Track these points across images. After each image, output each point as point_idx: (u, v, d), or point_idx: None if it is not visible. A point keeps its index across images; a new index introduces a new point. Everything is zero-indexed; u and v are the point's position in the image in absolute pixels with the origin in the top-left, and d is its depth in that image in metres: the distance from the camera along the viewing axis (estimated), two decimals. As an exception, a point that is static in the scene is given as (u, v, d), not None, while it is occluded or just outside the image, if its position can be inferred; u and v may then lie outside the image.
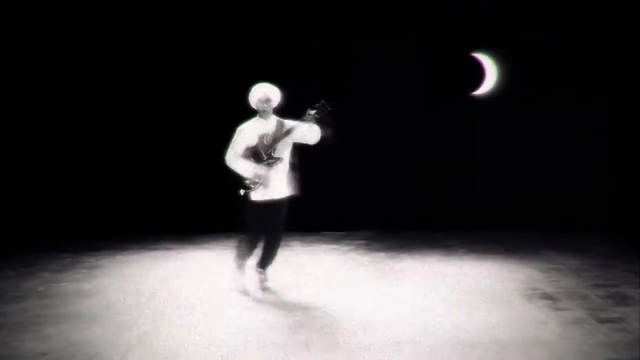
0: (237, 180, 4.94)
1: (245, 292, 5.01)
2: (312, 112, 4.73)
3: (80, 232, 7.79)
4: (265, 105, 4.89)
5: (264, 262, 5.15)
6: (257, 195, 4.90)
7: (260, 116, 4.96)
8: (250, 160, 4.86)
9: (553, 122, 7.83)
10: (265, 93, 4.90)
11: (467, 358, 3.48)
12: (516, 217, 7.70)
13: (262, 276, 5.15)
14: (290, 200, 5.03)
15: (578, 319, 4.17)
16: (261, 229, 5.03)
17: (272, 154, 4.86)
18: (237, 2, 7.75)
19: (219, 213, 7.93)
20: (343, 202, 7.83)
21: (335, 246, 7.03)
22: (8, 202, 7.74)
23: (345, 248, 6.96)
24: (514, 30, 7.70)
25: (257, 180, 4.83)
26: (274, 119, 4.94)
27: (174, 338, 3.87)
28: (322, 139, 4.92)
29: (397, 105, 7.84)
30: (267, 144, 4.86)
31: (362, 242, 7.30)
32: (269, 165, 4.85)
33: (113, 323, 4.19)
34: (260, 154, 4.85)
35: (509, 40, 7.76)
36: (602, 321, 4.10)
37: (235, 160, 4.85)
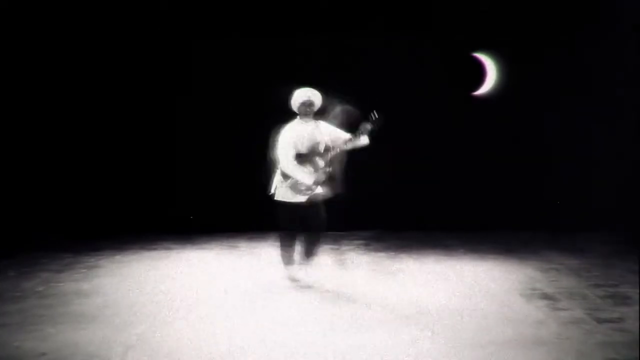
0: (294, 187, 5.08)
1: (295, 280, 5.28)
2: (369, 126, 4.98)
3: (80, 232, 7.79)
4: (308, 109, 5.10)
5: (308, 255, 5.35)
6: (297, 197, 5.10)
7: (300, 119, 5.13)
8: (305, 166, 5.05)
9: (554, 122, 7.83)
10: (308, 97, 5.11)
11: (466, 358, 3.47)
12: (516, 217, 7.70)
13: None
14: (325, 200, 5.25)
15: (577, 319, 4.17)
16: (298, 228, 5.23)
17: (329, 163, 5.08)
18: (237, 5, 7.75)
19: (219, 213, 7.95)
20: (342, 202, 7.83)
21: (334, 246, 7.02)
22: (8, 202, 7.74)
23: (345, 248, 6.96)
24: (515, 30, 7.71)
25: (314, 187, 5.03)
26: (313, 122, 5.14)
27: (173, 338, 3.86)
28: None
29: (397, 105, 7.83)
30: (322, 152, 5.07)
31: (362, 242, 7.30)
32: (326, 173, 5.08)
33: (112, 323, 4.18)
34: (315, 161, 5.06)
35: (509, 40, 7.76)
36: (601, 321, 4.10)
37: (296, 167, 5.02)
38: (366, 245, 7.13)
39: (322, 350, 3.62)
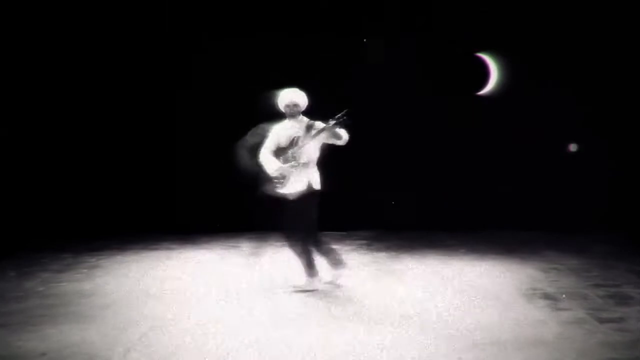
0: (265, 179, 5.06)
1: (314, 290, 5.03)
2: (332, 122, 4.89)
3: (81, 232, 7.80)
4: (293, 109, 5.10)
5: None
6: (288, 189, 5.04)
7: (288, 119, 5.14)
8: (278, 159, 5.06)
9: (554, 122, 7.83)
10: (291, 98, 5.12)
11: (467, 358, 3.47)
12: (516, 217, 7.70)
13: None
14: (309, 196, 5.04)
15: (578, 319, 4.17)
16: (301, 226, 5.07)
17: (298, 158, 5.03)
18: (235, 5, 7.77)
19: (220, 213, 7.96)
20: (344, 202, 7.84)
21: (336, 246, 7.02)
22: (9, 202, 7.75)
23: (346, 248, 6.96)
24: (516, 29, 7.71)
25: (281, 180, 5.03)
26: (303, 121, 5.12)
27: (173, 338, 3.87)
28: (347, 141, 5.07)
29: (399, 105, 7.84)
30: (295, 147, 5.05)
31: (363, 242, 7.31)
32: (293, 167, 5.02)
33: (113, 323, 4.18)
34: (287, 155, 5.06)
35: (511, 40, 7.77)
36: (602, 321, 4.09)
37: (265, 156, 5.09)
38: (368, 245, 7.14)
39: (323, 350, 3.62)
